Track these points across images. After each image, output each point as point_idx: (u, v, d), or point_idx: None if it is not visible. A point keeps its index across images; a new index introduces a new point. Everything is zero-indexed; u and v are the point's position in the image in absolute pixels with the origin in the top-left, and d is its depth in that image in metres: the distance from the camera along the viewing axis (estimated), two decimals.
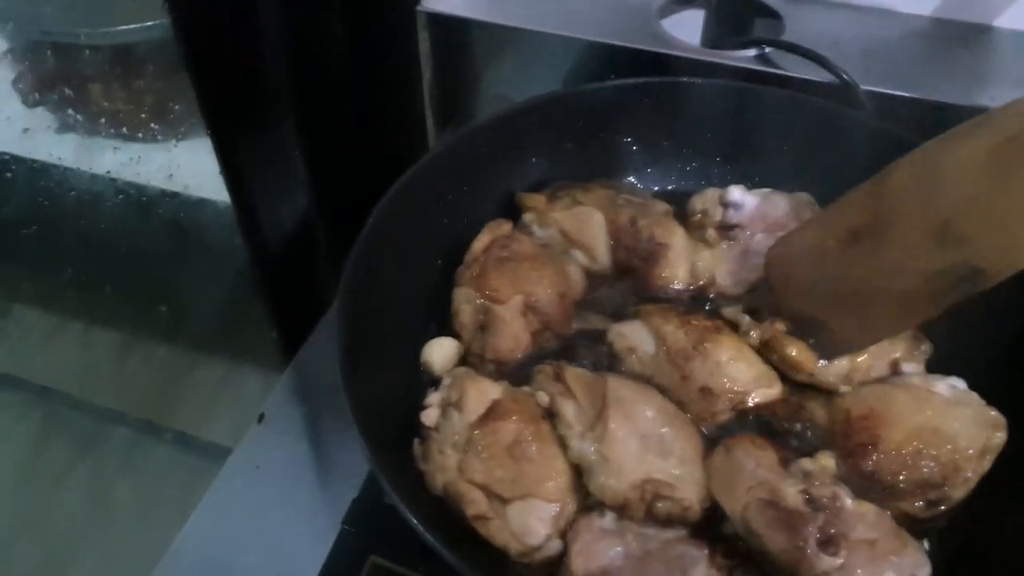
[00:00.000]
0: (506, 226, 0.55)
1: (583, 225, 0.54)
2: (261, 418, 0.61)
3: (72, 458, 1.41)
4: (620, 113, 0.59)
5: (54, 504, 1.37)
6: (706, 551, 0.42)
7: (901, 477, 0.44)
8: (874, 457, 0.45)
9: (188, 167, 0.88)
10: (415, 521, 0.38)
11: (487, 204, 0.57)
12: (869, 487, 0.44)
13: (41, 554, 1.32)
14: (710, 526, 0.44)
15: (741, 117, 0.58)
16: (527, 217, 0.56)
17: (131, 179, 0.90)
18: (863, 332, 0.48)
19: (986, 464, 0.45)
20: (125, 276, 1.08)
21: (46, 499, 1.37)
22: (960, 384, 0.48)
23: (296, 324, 0.68)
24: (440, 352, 0.51)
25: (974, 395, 0.47)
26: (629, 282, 0.54)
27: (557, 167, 0.59)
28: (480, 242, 0.54)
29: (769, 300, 0.51)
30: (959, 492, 0.45)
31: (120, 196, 0.94)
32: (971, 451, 0.45)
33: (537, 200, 0.56)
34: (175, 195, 0.88)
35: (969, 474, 0.45)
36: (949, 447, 0.45)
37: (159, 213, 0.92)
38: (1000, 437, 0.46)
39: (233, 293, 0.94)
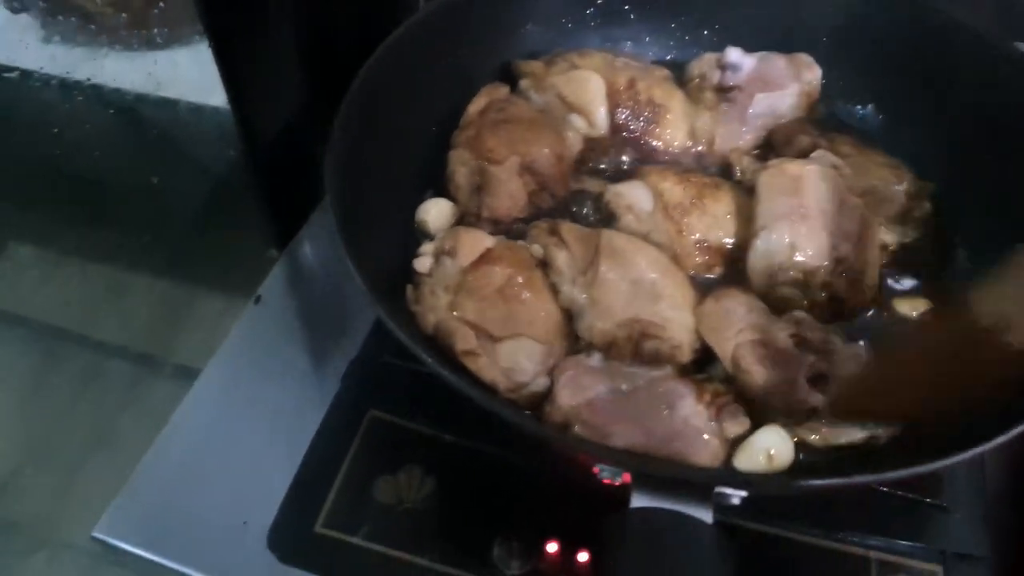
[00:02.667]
0: (503, 89, 0.54)
1: (581, 89, 0.54)
2: (258, 300, 0.61)
3: (74, 392, 1.43)
4: None
5: (58, 438, 1.39)
6: (692, 387, 0.42)
7: None
8: None
9: (175, 73, 0.87)
10: (415, 347, 0.38)
11: (482, 73, 0.56)
12: None
13: (46, 487, 1.34)
14: (697, 371, 0.45)
15: None
16: (524, 83, 0.55)
17: (115, 86, 0.89)
18: None
19: None
20: (113, 198, 1.07)
21: (49, 433, 1.39)
22: None
23: (292, 220, 0.67)
24: (435, 211, 0.51)
25: None
26: (627, 147, 0.54)
27: (553, 36, 0.58)
28: (476, 105, 0.53)
29: None
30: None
31: (106, 107, 0.93)
32: None
33: (534, 66, 0.55)
34: (162, 102, 0.87)
35: None
36: None
37: (146, 122, 0.91)
38: None
39: (226, 205, 0.93)
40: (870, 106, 0.55)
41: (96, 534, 0.50)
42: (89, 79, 0.88)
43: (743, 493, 0.34)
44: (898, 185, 0.49)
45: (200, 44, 0.85)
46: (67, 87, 0.90)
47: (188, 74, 0.84)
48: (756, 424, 0.42)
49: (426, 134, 0.54)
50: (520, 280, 0.45)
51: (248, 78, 0.60)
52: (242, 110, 0.61)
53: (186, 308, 1.21)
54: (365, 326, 0.56)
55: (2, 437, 1.39)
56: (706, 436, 0.41)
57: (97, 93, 0.89)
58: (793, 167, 0.48)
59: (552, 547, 0.42)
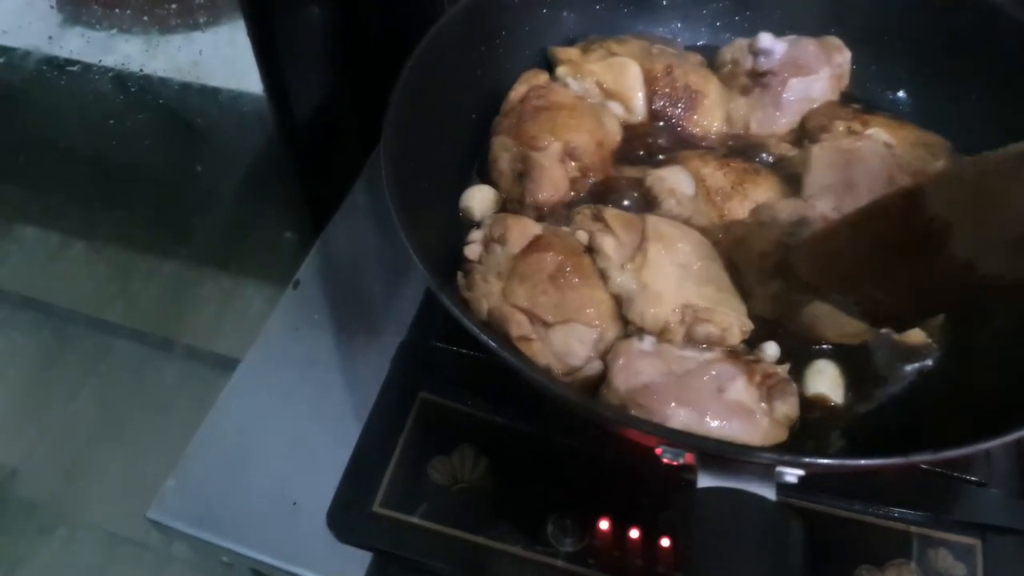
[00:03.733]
0: (542, 76, 0.55)
1: (619, 75, 0.54)
2: (296, 284, 0.61)
3: (83, 373, 1.43)
4: None
5: (68, 419, 1.40)
6: (743, 368, 0.44)
7: None
8: None
9: (204, 58, 0.86)
10: (480, 333, 0.38)
11: (519, 59, 0.57)
12: None
13: (58, 467, 1.35)
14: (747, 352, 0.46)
15: None
16: (561, 70, 0.56)
17: (143, 71, 0.89)
18: None
19: None
20: (131, 185, 1.07)
21: (60, 414, 1.39)
22: None
23: (325, 205, 0.68)
24: (479, 197, 0.52)
25: None
26: (664, 133, 0.55)
27: (588, 23, 0.58)
28: (516, 92, 0.54)
29: None
30: None
31: (127, 90, 0.92)
32: None
33: (571, 53, 0.56)
34: (191, 87, 0.87)
35: None
36: None
37: (175, 108, 0.91)
38: None
39: (259, 191, 0.93)
40: (902, 91, 0.56)
41: (150, 515, 0.51)
42: (115, 64, 0.87)
43: (801, 472, 0.36)
44: (936, 161, 0.50)
45: (230, 29, 0.85)
46: (93, 72, 0.89)
47: (218, 59, 0.83)
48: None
49: (467, 121, 0.55)
50: (570, 266, 0.46)
51: (283, 61, 0.60)
52: (277, 93, 0.61)
53: (220, 294, 1.22)
54: (407, 309, 0.57)
55: (18, 420, 1.40)
56: (758, 416, 0.42)
57: (125, 78, 0.88)
58: (846, 142, 0.50)
59: (604, 525, 0.44)
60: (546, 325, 0.45)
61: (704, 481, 0.35)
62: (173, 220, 1.01)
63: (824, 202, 0.47)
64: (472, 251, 0.48)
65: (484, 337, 0.38)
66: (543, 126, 0.52)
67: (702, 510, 0.34)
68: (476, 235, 0.49)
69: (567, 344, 0.45)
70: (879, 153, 0.50)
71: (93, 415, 1.34)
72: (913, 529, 0.44)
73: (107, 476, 1.29)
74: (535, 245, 0.46)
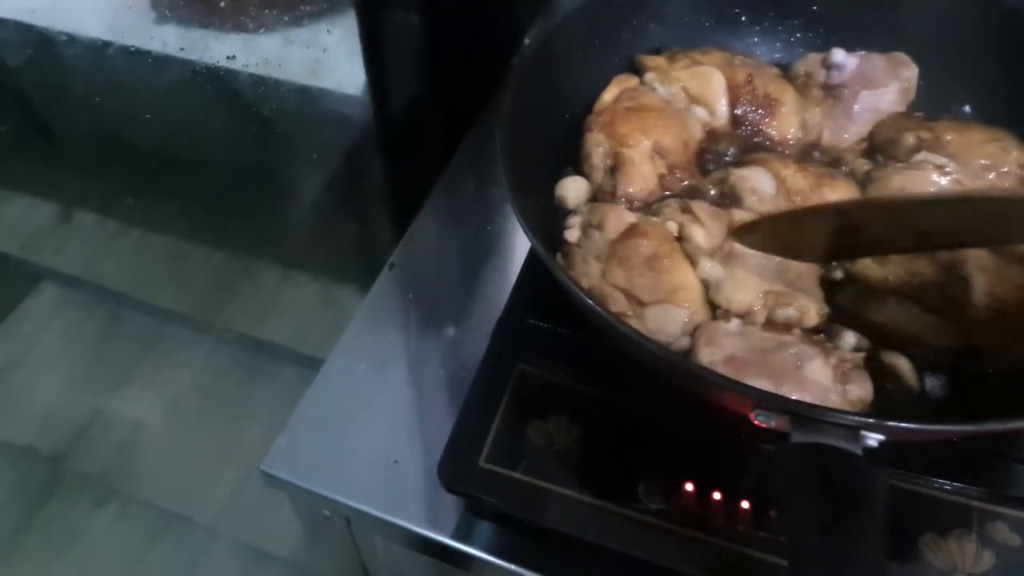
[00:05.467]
0: (633, 80, 0.60)
1: (704, 83, 0.59)
2: (391, 266, 0.66)
3: (136, 355, 1.49)
4: None
5: (121, 398, 1.46)
6: (820, 350, 0.48)
7: None
8: None
9: (285, 54, 0.92)
10: (583, 297, 0.43)
11: (609, 65, 0.62)
12: None
13: (113, 444, 1.40)
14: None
15: None
16: (649, 76, 0.61)
17: (225, 66, 0.94)
18: None
19: None
20: (222, 177, 1.12)
21: (112, 394, 1.45)
22: None
23: (412, 197, 0.73)
24: (573, 187, 0.57)
25: None
26: (744, 137, 0.59)
27: (672, 35, 0.64)
28: (609, 93, 0.59)
29: None
30: None
31: (216, 86, 0.98)
32: None
33: (658, 61, 0.61)
34: (271, 82, 0.92)
35: None
36: None
37: (254, 103, 0.96)
38: None
39: (337, 183, 0.98)
40: (967, 106, 0.60)
41: (264, 468, 0.55)
42: (199, 59, 0.93)
43: (882, 437, 0.40)
44: (1006, 155, 0.54)
45: (312, 27, 0.91)
46: (177, 66, 0.95)
47: (298, 56, 0.89)
48: None
49: (561, 119, 0.60)
50: (664, 252, 0.51)
51: (385, 61, 0.66)
52: (378, 89, 0.66)
53: (308, 291, 1.28)
54: (492, 290, 0.63)
55: (73, 395, 1.46)
56: (832, 396, 0.47)
57: (207, 73, 0.94)
58: (896, 180, 0.54)
59: (689, 487, 0.48)
60: (641, 304, 0.50)
61: (797, 437, 0.39)
62: (264, 211, 1.07)
63: None
64: (572, 235, 0.53)
65: (597, 309, 0.43)
66: (634, 125, 0.57)
67: (796, 460, 0.38)
68: (574, 220, 0.54)
69: (660, 322, 0.49)
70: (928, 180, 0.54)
71: (148, 396, 1.40)
72: (973, 503, 0.48)
73: (159, 455, 1.34)
74: (632, 232, 0.51)
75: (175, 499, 1.29)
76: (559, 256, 0.53)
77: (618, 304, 0.49)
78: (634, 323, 0.49)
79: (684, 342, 0.50)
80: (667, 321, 0.49)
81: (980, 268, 0.50)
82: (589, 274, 0.50)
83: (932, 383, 0.49)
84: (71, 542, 1.27)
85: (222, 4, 0.91)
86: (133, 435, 1.40)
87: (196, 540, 1.26)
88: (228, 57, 0.93)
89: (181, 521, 1.29)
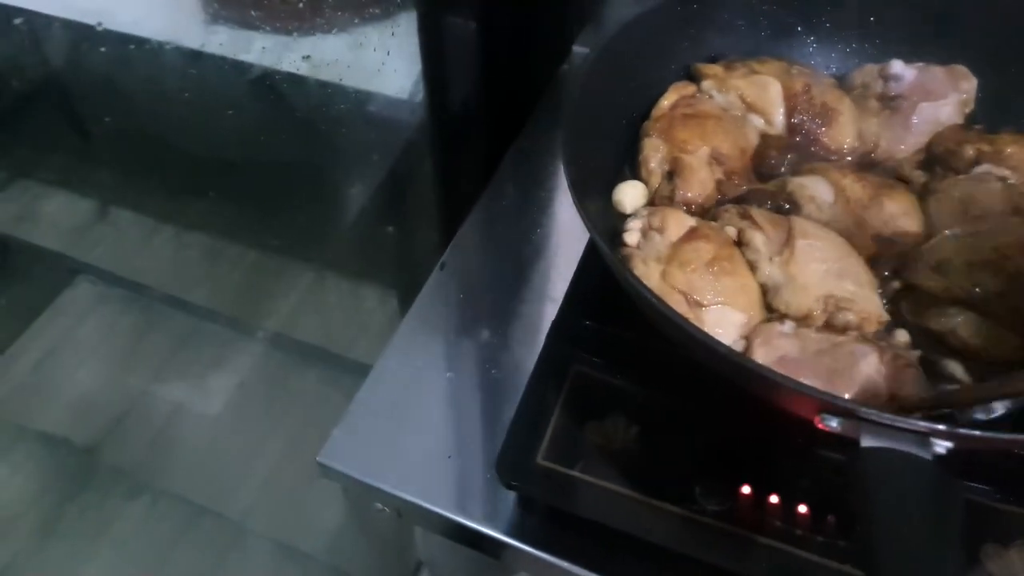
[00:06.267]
0: (691, 87, 0.60)
1: (761, 91, 0.60)
2: (442, 266, 0.67)
3: (170, 350, 1.51)
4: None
5: (154, 392, 1.48)
6: (876, 348, 0.48)
7: None
8: None
9: (331, 57, 0.93)
10: (649, 294, 0.43)
11: (666, 73, 0.63)
12: None
13: (146, 438, 1.42)
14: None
15: (903, 2, 0.63)
16: (707, 84, 0.61)
17: (271, 67, 0.96)
18: None
19: None
20: (270, 180, 1.14)
21: (146, 388, 1.47)
22: None
23: (463, 200, 0.74)
24: (631, 192, 0.58)
25: None
26: (800, 146, 0.60)
27: (728, 44, 0.64)
28: (667, 99, 0.60)
29: None
30: None
31: (262, 88, 0.99)
32: None
33: (715, 69, 0.62)
34: (317, 84, 0.94)
35: None
36: None
37: (301, 105, 0.98)
38: None
39: (381, 188, 0.99)
40: None
41: (320, 459, 0.56)
42: (246, 59, 0.95)
43: (951, 444, 0.40)
44: None
45: (359, 31, 0.92)
46: (225, 66, 0.97)
47: (344, 59, 0.90)
48: None
49: (619, 124, 0.61)
50: (724, 256, 0.51)
51: (443, 65, 0.67)
52: (434, 92, 0.68)
53: (351, 297, 1.29)
54: (549, 288, 0.64)
55: (107, 389, 1.49)
56: (884, 397, 0.47)
57: (253, 74, 0.96)
58: (958, 191, 0.54)
59: (746, 490, 0.49)
60: (701, 306, 0.50)
61: (867, 442, 0.39)
62: (308, 212, 1.09)
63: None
64: (631, 237, 0.53)
65: (665, 308, 0.43)
66: (693, 132, 0.58)
67: (866, 464, 0.39)
68: (634, 224, 0.54)
69: (718, 324, 0.50)
70: (993, 192, 0.54)
71: (181, 391, 1.41)
72: None
73: (191, 450, 1.36)
74: (693, 234, 0.52)
75: (206, 493, 1.31)
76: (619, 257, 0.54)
77: (680, 305, 0.50)
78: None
79: (740, 344, 0.50)
80: (726, 324, 0.50)
81: None
82: (649, 276, 0.51)
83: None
84: (102, 532, 1.29)
85: (264, 5, 0.93)
86: (166, 429, 1.42)
87: (227, 534, 1.28)
88: (268, 57, 0.94)
89: (212, 515, 1.30)
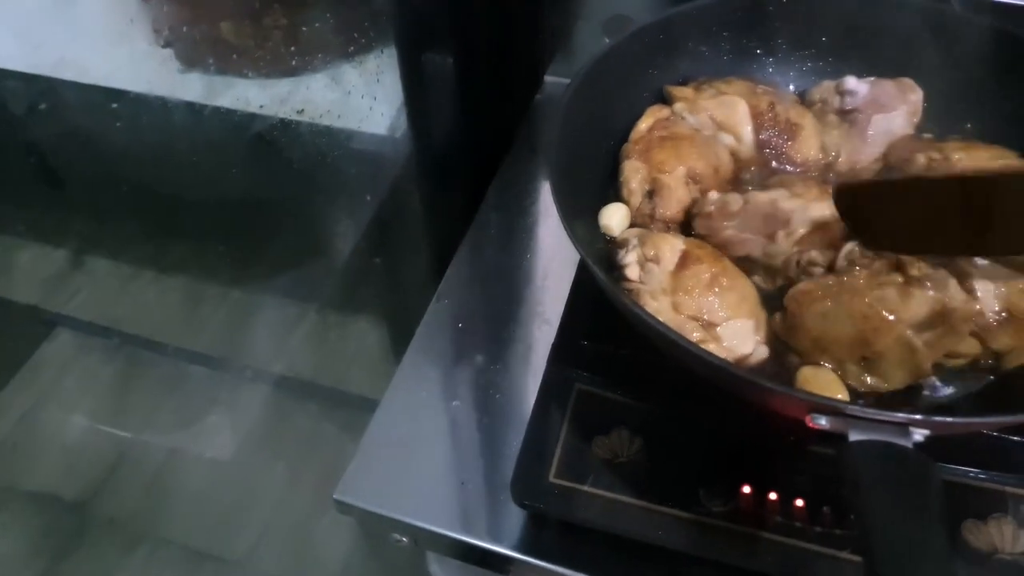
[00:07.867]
0: (666, 110, 0.64)
1: (730, 111, 0.63)
2: (438, 298, 0.70)
3: (158, 397, 1.50)
4: (749, 22, 0.68)
5: (144, 440, 1.46)
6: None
7: None
8: None
9: (309, 97, 0.95)
10: (651, 319, 0.47)
11: (640, 97, 0.67)
12: None
13: (139, 487, 1.41)
14: None
15: (850, 22, 0.67)
16: (678, 106, 0.65)
17: (251, 111, 0.97)
18: None
19: None
20: (254, 222, 1.15)
21: (135, 437, 1.46)
22: None
23: (453, 232, 0.77)
24: (617, 215, 0.61)
25: None
26: (768, 161, 0.64)
27: (696, 67, 0.68)
28: (644, 122, 0.63)
29: None
30: None
31: (241, 132, 1.01)
32: None
33: (686, 91, 0.65)
34: (296, 125, 0.96)
35: None
36: None
37: (280, 146, 1.00)
38: None
39: (374, 228, 1.01)
40: (969, 124, 0.65)
41: (337, 496, 0.58)
42: (223, 105, 0.97)
43: (928, 432, 0.44)
44: None
45: (336, 70, 0.95)
46: (201, 113, 0.98)
47: (323, 99, 0.93)
48: None
49: (600, 149, 0.64)
50: (720, 272, 0.55)
51: (424, 102, 0.70)
52: (418, 129, 0.70)
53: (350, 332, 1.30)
54: (545, 310, 0.67)
55: (94, 441, 1.47)
56: None
57: (232, 119, 0.97)
58: None
59: (746, 489, 0.52)
60: (715, 325, 0.53)
61: (854, 436, 0.43)
62: (298, 248, 1.10)
63: None
64: (633, 272, 0.56)
65: (678, 336, 0.46)
66: (669, 153, 0.61)
67: (854, 455, 0.42)
68: (631, 257, 0.56)
69: (735, 337, 0.53)
70: None
71: (173, 437, 1.41)
72: (1007, 489, 0.52)
73: (187, 495, 1.35)
74: (688, 260, 0.55)
75: (206, 537, 1.31)
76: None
77: (695, 332, 0.53)
78: (713, 347, 0.53)
79: (761, 351, 0.54)
80: (740, 334, 0.53)
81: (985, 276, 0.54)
82: (661, 310, 0.54)
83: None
84: None
85: (251, 53, 0.95)
86: (160, 476, 1.41)
87: None
88: (245, 102, 0.95)
89: (213, 560, 1.30)
